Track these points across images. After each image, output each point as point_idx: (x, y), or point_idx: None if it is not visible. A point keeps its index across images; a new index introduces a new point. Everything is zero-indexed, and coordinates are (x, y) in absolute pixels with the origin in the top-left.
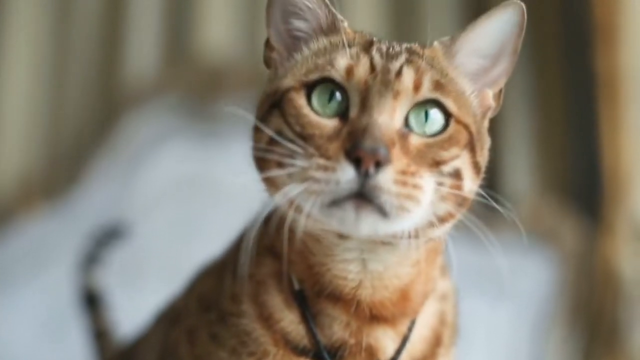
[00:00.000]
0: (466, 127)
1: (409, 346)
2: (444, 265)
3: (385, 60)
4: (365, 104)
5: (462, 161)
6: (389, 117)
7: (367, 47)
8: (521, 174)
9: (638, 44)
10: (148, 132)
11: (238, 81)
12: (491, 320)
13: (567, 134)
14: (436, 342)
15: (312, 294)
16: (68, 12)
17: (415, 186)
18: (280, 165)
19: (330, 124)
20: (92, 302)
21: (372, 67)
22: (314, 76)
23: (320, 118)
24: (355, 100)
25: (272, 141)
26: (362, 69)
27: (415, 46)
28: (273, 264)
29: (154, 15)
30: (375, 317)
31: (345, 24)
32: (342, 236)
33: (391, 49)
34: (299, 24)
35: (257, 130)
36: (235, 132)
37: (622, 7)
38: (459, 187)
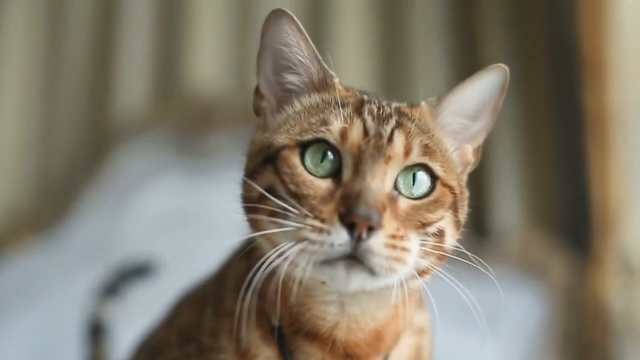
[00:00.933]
0: (451, 189)
1: None
2: (420, 298)
3: (377, 124)
4: (358, 168)
5: (445, 221)
6: (380, 181)
7: (359, 107)
8: (510, 208)
9: (625, 80)
10: (138, 166)
11: (228, 116)
12: (480, 355)
13: (556, 168)
14: None
15: (290, 331)
16: (58, 47)
17: (403, 249)
18: (272, 219)
19: (323, 185)
20: (96, 333)
21: (365, 131)
22: (308, 137)
23: (314, 178)
24: (348, 163)
25: (263, 195)
26: (355, 133)
27: (404, 107)
28: (252, 299)
29: (145, 50)
30: (349, 355)
31: (337, 80)
32: (324, 282)
33: (382, 110)
34: (290, 77)
35: (249, 177)
36: (225, 166)
37: (610, 43)
38: (441, 245)
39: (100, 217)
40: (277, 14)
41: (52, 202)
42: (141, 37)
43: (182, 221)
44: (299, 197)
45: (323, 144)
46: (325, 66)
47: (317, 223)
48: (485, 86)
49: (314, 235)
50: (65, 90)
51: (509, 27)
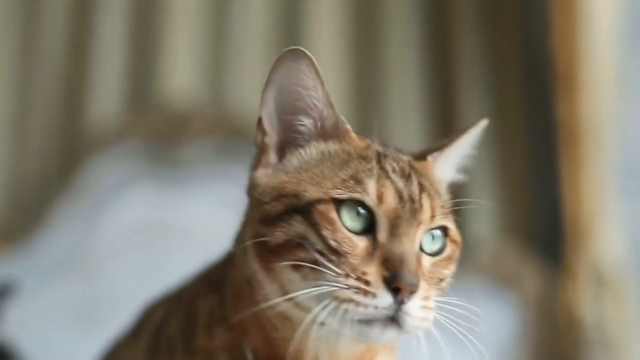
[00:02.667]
0: (458, 244)
1: None
2: None
3: (405, 186)
4: (394, 230)
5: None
6: (414, 244)
7: (381, 162)
8: (483, 220)
9: (598, 94)
10: (111, 177)
11: (201, 127)
12: None
13: (529, 181)
14: None
15: None
16: (31, 57)
17: (430, 308)
18: (297, 268)
19: (361, 243)
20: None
21: (399, 195)
22: (344, 195)
23: (352, 235)
24: (383, 224)
25: (290, 243)
26: (391, 197)
27: (413, 161)
28: (225, 335)
29: (118, 60)
30: None
31: (349, 127)
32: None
33: (402, 168)
34: (303, 119)
35: (267, 223)
36: (199, 177)
37: (583, 58)
38: (443, 293)
39: (73, 228)
40: (296, 54)
41: (25, 213)
42: (115, 47)
43: (156, 231)
44: (338, 254)
45: (356, 202)
46: (337, 113)
47: (362, 285)
48: (475, 139)
49: (359, 298)
50: (38, 100)
51: (483, 41)
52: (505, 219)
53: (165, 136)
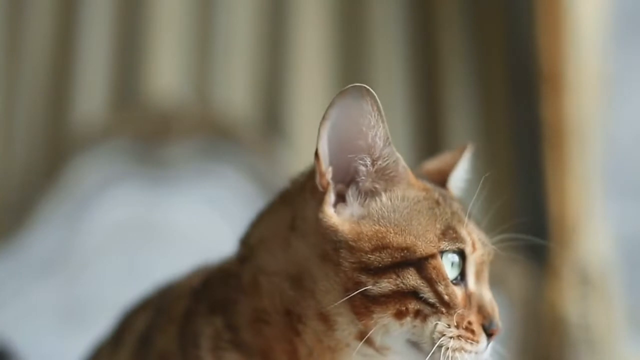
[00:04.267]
0: None
1: None
2: None
3: (480, 232)
4: (479, 277)
5: None
6: None
7: (445, 202)
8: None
9: (583, 93)
10: (96, 177)
11: (187, 126)
12: None
13: (515, 181)
14: None
15: None
16: (16, 56)
17: None
18: (399, 317)
19: (460, 293)
20: None
21: (481, 240)
22: (450, 247)
23: (455, 287)
24: (471, 271)
25: (397, 294)
26: (478, 244)
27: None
28: (237, 358)
29: (103, 60)
30: None
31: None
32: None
33: (461, 206)
34: (366, 159)
35: (370, 272)
36: (184, 177)
37: (568, 59)
38: None
39: (58, 227)
40: (360, 91)
41: (10, 213)
42: (100, 46)
43: (141, 231)
44: (448, 306)
45: (455, 252)
46: (395, 150)
47: (469, 335)
48: (467, 163)
49: (468, 346)
50: (23, 99)
51: (469, 41)
52: (490, 218)
53: (151, 136)
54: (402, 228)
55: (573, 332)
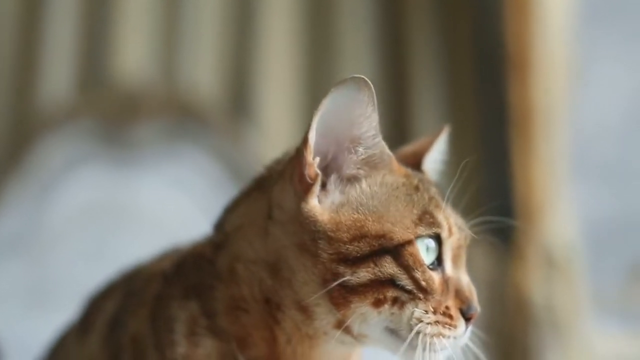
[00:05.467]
0: None
1: None
2: None
3: (457, 216)
4: (456, 261)
5: None
6: None
7: (424, 187)
8: None
9: (550, 77)
10: (62, 158)
11: (154, 106)
12: None
13: (481, 163)
14: None
15: None
16: None
17: None
18: (377, 305)
19: (437, 278)
20: None
21: (457, 224)
22: (426, 232)
23: (432, 273)
24: (448, 255)
25: (375, 283)
26: (454, 228)
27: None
28: (214, 344)
29: (70, 40)
30: None
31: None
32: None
33: (438, 191)
34: (359, 148)
35: (348, 263)
36: (151, 158)
37: (535, 41)
38: None
39: (24, 209)
40: (359, 82)
41: None
42: (66, 26)
43: (107, 212)
44: (426, 292)
45: (430, 237)
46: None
47: (447, 320)
48: (442, 144)
49: (446, 331)
50: None
51: (436, 24)
52: (459, 203)
53: (117, 116)
54: (380, 215)
55: (537, 314)
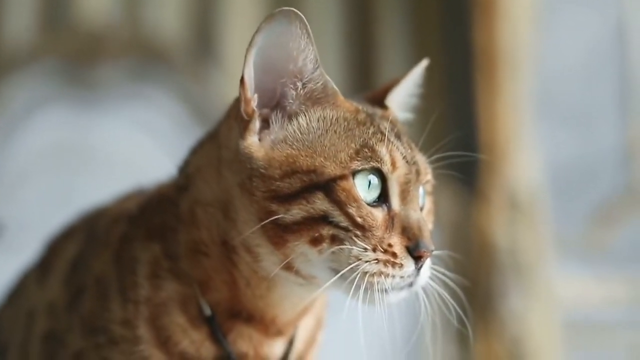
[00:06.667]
0: (432, 194)
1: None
2: None
3: (404, 148)
4: (405, 196)
5: None
6: (419, 207)
7: (380, 125)
8: None
9: (515, 19)
10: (24, 98)
11: (116, 47)
12: None
13: (446, 105)
14: (311, 340)
15: (225, 315)
16: None
17: (429, 266)
18: (314, 244)
19: (379, 214)
20: None
21: (405, 158)
22: (363, 166)
23: (372, 209)
24: (395, 191)
25: (309, 220)
26: (400, 162)
27: (391, 115)
28: (176, 287)
29: None
30: (280, 332)
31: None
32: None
33: (394, 127)
34: (296, 83)
35: (280, 200)
36: (114, 99)
37: None
38: None
39: None
40: (288, 15)
41: None
42: None
43: (70, 153)
44: (363, 229)
45: (369, 171)
46: (325, 74)
47: (390, 258)
48: (418, 77)
49: (388, 270)
50: None
51: None
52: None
53: (80, 57)
54: (314, 150)
55: (501, 257)
